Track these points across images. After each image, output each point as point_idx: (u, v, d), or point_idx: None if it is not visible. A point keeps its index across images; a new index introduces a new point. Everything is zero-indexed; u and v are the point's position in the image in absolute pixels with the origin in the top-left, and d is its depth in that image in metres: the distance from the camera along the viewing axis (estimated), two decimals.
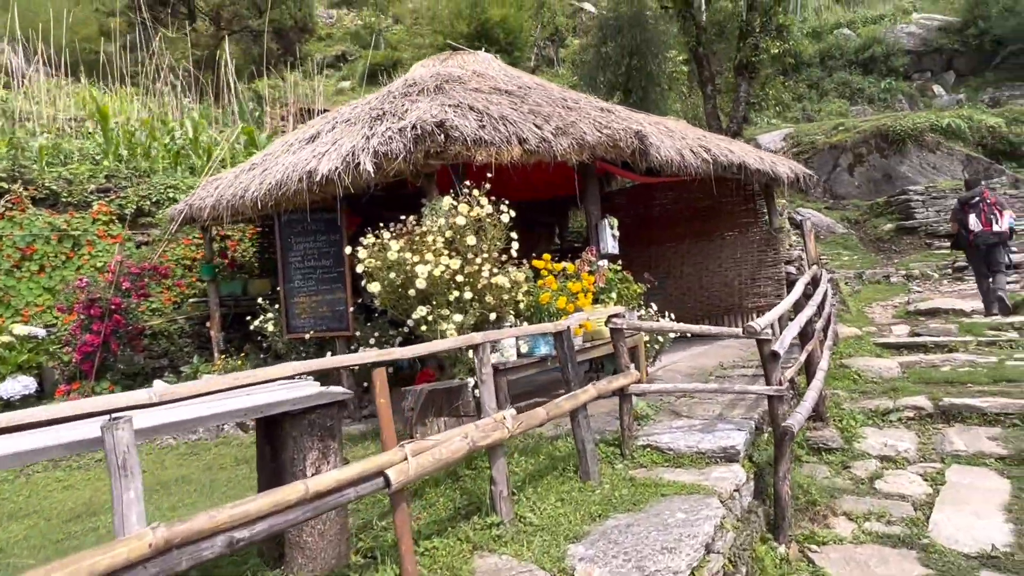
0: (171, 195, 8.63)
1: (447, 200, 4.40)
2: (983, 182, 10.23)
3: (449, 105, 4.85)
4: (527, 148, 4.83)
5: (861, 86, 26.44)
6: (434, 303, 4.25)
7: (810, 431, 5.84)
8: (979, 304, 9.00)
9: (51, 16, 15.07)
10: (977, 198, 8.24)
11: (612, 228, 6.26)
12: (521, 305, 4.85)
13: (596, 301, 5.59)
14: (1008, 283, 8.80)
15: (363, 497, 2.52)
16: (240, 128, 10.98)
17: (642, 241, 11.82)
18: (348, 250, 4.74)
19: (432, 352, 3.40)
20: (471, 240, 4.31)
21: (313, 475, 2.53)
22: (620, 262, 6.28)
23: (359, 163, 4.54)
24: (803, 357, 5.65)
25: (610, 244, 6.18)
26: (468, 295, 4.21)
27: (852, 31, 28.61)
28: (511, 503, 3.25)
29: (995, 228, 7.98)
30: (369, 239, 4.45)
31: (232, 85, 15.62)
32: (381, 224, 4.66)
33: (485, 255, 4.38)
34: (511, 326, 4.67)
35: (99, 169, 8.51)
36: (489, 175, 4.63)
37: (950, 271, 14.50)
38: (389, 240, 4.33)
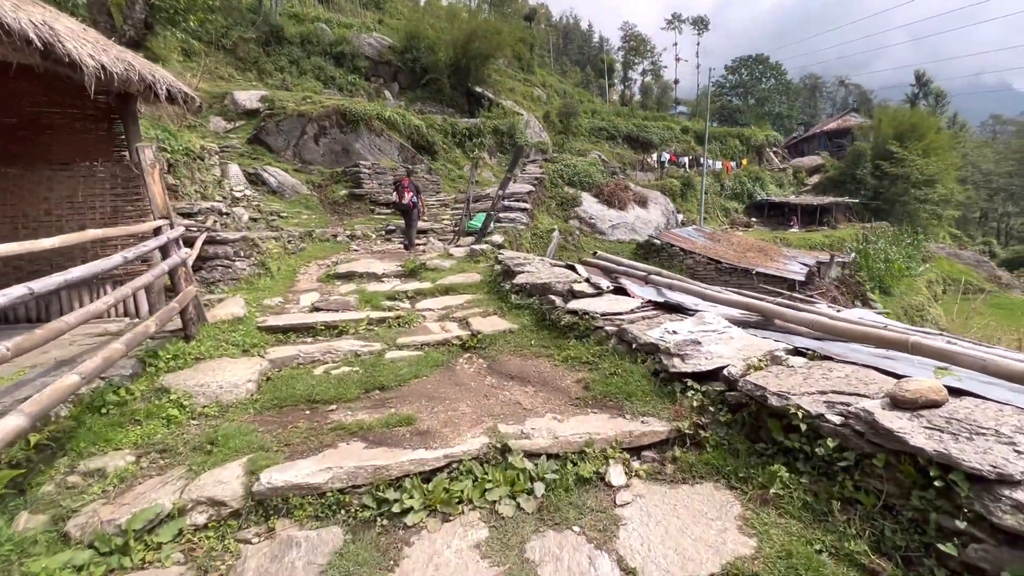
0: None
1: None
2: (410, 169, 12.93)
3: None
4: None
5: (334, 75, 23.41)
6: None
7: None
8: (391, 267, 7.61)
9: None
10: (400, 182, 10.25)
11: None
12: None
13: None
14: (418, 244, 10.85)
15: None
16: None
17: None
18: None
19: None
20: None
21: None
22: None
23: None
24: None
25: None
26: None
27: (328, 27, 25.01)
28: None
29: (404, 201, 10.06)
30: None
31: None
32: None
33: None
34: None
35: None
36: None
37: (384, 233, 12.89)
38: None
